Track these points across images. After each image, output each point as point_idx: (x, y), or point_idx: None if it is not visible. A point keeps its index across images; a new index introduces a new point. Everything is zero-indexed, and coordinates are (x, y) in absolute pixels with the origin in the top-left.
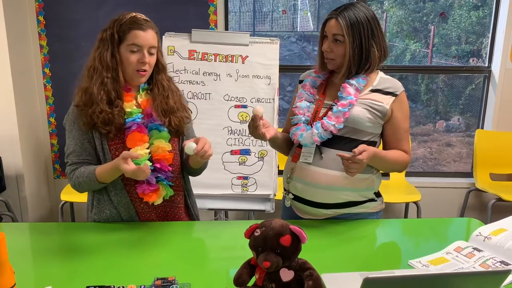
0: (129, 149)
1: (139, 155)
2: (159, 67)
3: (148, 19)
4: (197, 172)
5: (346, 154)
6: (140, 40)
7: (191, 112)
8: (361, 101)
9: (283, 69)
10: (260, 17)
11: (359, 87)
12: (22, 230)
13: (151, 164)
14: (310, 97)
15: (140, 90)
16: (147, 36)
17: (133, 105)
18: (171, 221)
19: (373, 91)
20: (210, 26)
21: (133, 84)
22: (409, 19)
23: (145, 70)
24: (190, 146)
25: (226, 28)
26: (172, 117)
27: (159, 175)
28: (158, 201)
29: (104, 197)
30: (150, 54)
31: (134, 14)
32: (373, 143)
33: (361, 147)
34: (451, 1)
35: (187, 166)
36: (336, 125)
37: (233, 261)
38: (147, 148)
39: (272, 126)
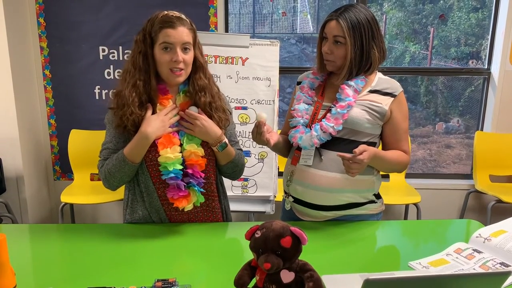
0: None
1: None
2: (196, 65)
3: (181, 16)
4: (226, 172)
5: (347, 154)
6: (171, 38)
7: (231, 114)
8: (359, 102)
9: (283, 71)
10: (260, 19)
11: (357, 88)
12: (23, 231)
13: (181, 168)
14: (309, 99)
15: (180, 92)
16: (178, 34)
17: None
18: (171, 223)
19: (371, 92)
20: (210, 28)
21: (171, 84)
22: (408, 21)
23: (181, 70)
24: (192, 107)
25: (226, 30)
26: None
27: (191, 180)
28: (188, 207)
29: (137, 198)
30: (185, 51)
31: (166, 12)
32: (372, 144)
33: (362, 147)
34: (450, 3)
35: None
36: (335, 127)
37: (233, 263)
38: (180, 153)
39: (274, 131)
